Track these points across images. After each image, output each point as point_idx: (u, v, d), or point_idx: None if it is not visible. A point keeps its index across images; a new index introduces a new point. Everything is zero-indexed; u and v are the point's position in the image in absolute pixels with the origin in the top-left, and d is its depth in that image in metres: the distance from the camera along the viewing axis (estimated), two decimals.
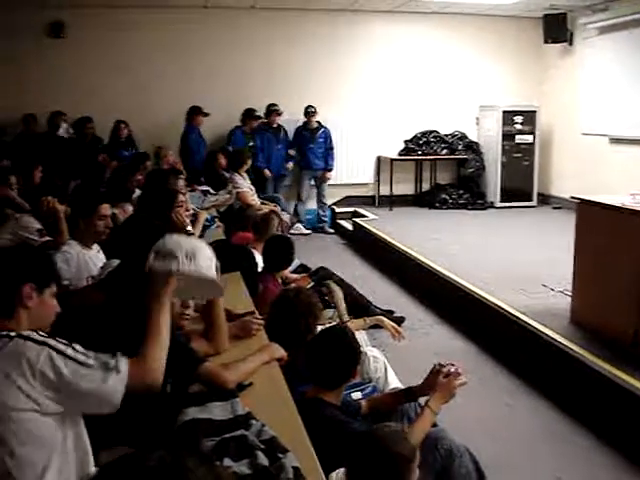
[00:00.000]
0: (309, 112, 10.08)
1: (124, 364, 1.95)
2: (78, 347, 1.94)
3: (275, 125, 10.13)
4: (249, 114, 9.96)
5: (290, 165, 10.32)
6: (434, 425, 3.03)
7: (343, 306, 4.39)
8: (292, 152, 10.27)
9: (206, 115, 9.58)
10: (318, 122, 10.22)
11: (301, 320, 3.42)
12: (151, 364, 2.07)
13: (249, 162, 8.60)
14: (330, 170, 10.39)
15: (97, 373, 1.91)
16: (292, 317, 3.42)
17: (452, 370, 3.05)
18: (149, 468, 1.10)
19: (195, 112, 9.59)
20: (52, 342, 1.90)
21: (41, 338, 1.90)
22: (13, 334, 1.89)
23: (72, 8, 9.37)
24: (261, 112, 10.09)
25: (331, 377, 2.94)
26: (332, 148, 10.35)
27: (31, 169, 6.61)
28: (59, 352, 1.88)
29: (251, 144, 9.86)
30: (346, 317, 4.31)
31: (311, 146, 10.20)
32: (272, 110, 10.00)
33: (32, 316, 2.04)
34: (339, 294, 4.38)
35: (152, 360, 2.08)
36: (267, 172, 9.97)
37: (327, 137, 10.30)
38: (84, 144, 9.19)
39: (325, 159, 10.33)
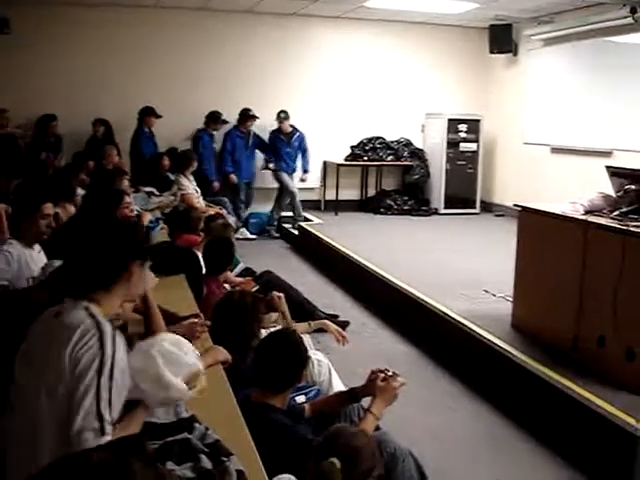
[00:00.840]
0: (282, 117, 10.08)
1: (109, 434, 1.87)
2: (113, 386, 1.91)
3: (246, 130, 10.13)
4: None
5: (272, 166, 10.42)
6: (377, 428, 3.05)
7: (287, 311, 4.38)
8: (270, 160, 10.44)
9: (158, 117, 9.49)
10: (292, 126, 10.26)
11: (245, 323, 3.40)
12: None
13: (195, 164, 8.52)
14: (307, 172, 10.50)
15: (92, 417, 1.85)
16: (236, 320, 3.41)
17: (389, 373, 3.09)
18: (91, 469, 1.07)
19: (147, 113, 9.50)
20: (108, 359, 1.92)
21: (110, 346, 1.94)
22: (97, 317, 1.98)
23: (17, 5, 9.17)
24: (203, 115, 10.06)
25: (278, 381, 2.92)
26: (306, 150, 10.41)
27: None
28: (102, 369, 1.89)
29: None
30: (292, 322, 4.30)
31: (288, 150, 10.24)
32: (248, 115, 9.99)
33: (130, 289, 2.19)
34: (282, 299, 4.37)
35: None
36: (233, 177, 9.99)
37: (302, 140, 10.35)
38: (42, 143, 9.09)
39: (302, 162, 10.45)
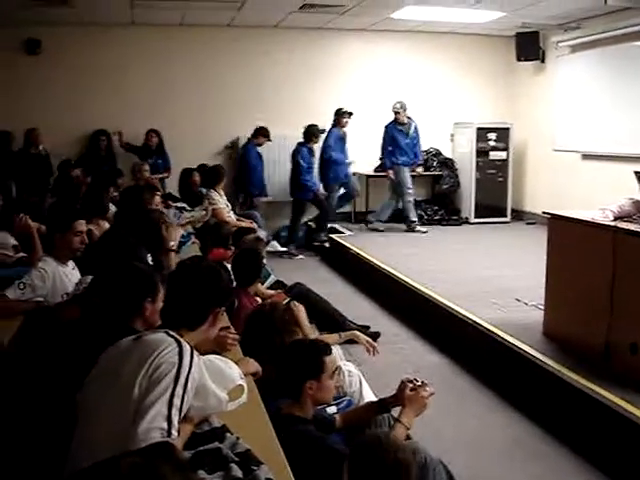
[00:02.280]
0: (397, 108, 10.13)
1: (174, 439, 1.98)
2: (185, 397, 2.06)
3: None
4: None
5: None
6: (407, 438, 3.06)
7: (306, 323, 4.39)
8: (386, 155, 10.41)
9: (268, 138, 9.89)
10: (408, 117, 10.35)
11: (276, 336, 3.43)
12: None
13: (224, 179, 8.60)
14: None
15: (161, 418, 1.97)
16: (267, 332, 3.43)
17: (417, 383, 3.13)
18: (122, 474, 1.10)
19: (260, 133, 9.87)
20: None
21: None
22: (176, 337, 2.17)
23: (47, 26, 9.37)
24: (232, 131, 10.25)
25: (295, 382, 2.94)
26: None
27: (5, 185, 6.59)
28: (178, 378, 2.05)
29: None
30: (312, 335, 4.30)
31: (407, 142, 10.31)
32: (344, 113, 10.04)
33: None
34: (302, 311, 4.37)
35: None
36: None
37: (417, 130, 10.46)
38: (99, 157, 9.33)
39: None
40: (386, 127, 10.26)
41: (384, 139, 10.32)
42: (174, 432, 1.97)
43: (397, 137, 10.21)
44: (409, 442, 3.05)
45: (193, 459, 2.09)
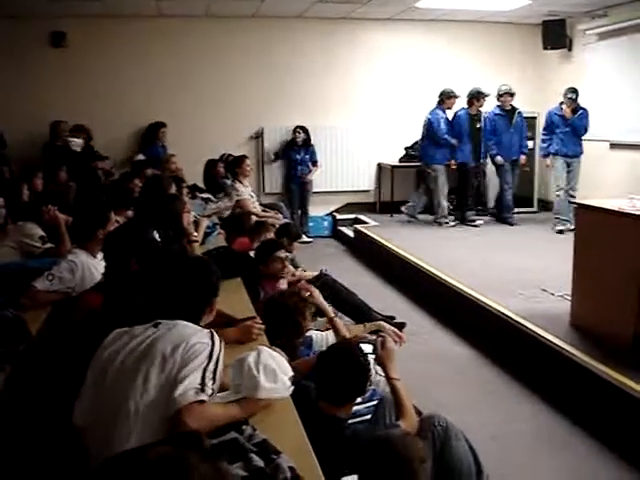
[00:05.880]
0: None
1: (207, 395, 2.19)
2: (217, 374, 2.26)
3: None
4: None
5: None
6: (418, 413, 3.21)
7: (325, 303, 4.41)
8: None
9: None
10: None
11: (287, 321, 3.47)
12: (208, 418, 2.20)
13: (248, 169, 8.63)
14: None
15: (195, 382, 2.18)
16: (280, 319, 3.48)
17: (379, 340, 3.33)
18: (150, 463, 1.11)
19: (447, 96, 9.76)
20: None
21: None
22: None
23: (73, 18, 9.43)
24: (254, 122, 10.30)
25: (343, 395, 2.95)
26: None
27: (31, 177, 6.64)
28: (211, 356, 2.26)
29: None
30: (331, 314, 4.33)
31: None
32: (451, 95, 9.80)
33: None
34: (317, 293, 4.42)
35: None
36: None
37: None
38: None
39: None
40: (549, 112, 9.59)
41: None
42: (208, 389, 2.17)
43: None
44: (429, 414, 3.12)
45: (211, 450, 2.10)
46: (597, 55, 9.83)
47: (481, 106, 9.82)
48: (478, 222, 9.86)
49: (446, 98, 9.74)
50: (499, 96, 9.84)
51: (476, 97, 9.70)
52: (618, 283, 4.62)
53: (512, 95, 9.80)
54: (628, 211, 4.52)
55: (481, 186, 10.42)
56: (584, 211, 5.13)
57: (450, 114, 9.87)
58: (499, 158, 9.86)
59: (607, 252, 4.76)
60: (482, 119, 9.83)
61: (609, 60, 9.57)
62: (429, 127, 9.77)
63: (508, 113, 9.88)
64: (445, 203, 9.86)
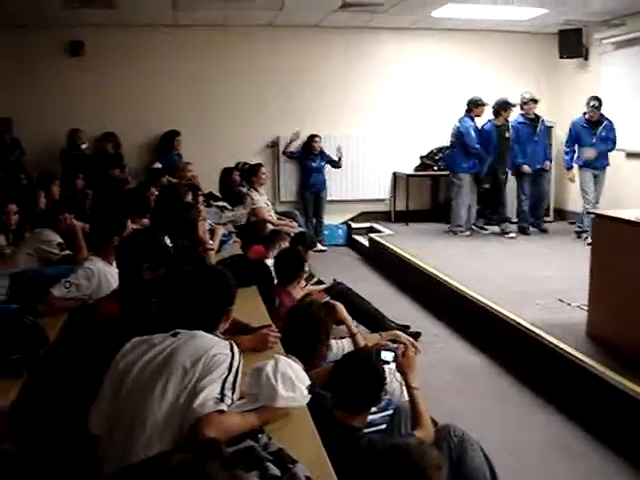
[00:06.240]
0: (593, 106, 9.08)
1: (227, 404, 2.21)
2: (236, 386, 2.29)
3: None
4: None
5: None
6: (433, 423, 3.18)
7: (349, 319, 4.40)
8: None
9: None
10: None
11: (311, 330, 3.45)
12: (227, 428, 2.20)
13: (264, 177, 8.67)
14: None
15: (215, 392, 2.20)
16: (304, 327, 3.45)
17: (401, 348, 3.36)
18: (170, 470, 1.12)
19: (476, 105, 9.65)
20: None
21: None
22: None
23: (90, 27, 9.52)
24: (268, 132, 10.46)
25: (358, 403, 2.94)
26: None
27: (48, 184, 6.71)
28: (231, 368, 2.27)
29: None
30: (354, 329, 4.33)
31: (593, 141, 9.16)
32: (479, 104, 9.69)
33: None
34: (342, 308, 4.40)
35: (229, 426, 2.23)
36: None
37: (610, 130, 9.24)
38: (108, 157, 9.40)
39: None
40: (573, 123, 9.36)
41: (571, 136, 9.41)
42: (227, 399, 2.18)
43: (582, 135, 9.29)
44: (445, 424, 3.12)
45: (229, 459, 2.11)
46: (613, 64, 9.81)
47: (508, 116, 9.69)
48: (512, 234, 9.67)
49: (474, 107, 9.64)
50: (523, 104, 9.75)
51: (503, 108, 9.57)
52: (635, 293, 4.59)
53: (536, 102, 9.72)
54: None
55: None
56: (601, 221, 5.11)
57: (479, 122, 9.78)
58: (526, 167, 9.72)
59: (623, 262, 4.73)
60: (510, 129, 9.70)
61: (625, 69, 9.54)
62: (459, 136, 9.66)
63: (532, 122, 9.79)
64: (464, 214, 9.77)
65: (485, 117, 9.79)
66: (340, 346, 4.10)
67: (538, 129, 9.79)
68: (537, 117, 9.83)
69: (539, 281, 6.81)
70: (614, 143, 9.09)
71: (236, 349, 2.36)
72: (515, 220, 10.06)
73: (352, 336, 4.22)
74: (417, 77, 10.96)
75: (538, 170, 9.85)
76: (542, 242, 9.28)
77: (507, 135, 9.65)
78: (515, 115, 9.84)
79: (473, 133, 9.58)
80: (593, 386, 4.49)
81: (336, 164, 10.44)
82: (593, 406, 4.46)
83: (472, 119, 9.67)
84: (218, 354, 2.28)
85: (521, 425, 4.45)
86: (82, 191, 7.67)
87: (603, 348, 4.84)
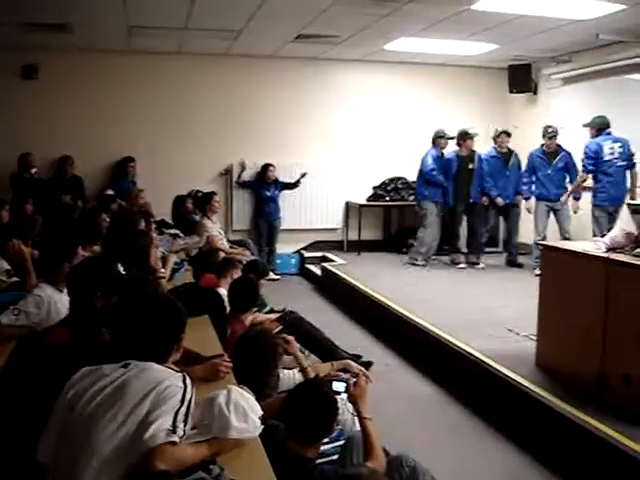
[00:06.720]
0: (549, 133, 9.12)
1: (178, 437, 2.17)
2: (188, 418, 2.26)
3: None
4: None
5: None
6: (385, 453, 3.17)
7: (300, 354, 4.41)
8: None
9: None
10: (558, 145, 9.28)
11: (259, 360, 3.44)
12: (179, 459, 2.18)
13: (217, 205, 8.63)
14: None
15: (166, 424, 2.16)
16: (252, 357, 3.44)
17: (351, 380, 3.37)
18: None
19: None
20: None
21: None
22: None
23: (45, 51, 9.44)
24: (225, 160, 10.47)
25: (310, 433, 2.92)
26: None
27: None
28: (184, 400, 2.24)
29: None
30: (305, 364, 4.31)
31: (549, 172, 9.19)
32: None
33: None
34: (292, 343, 4.39)
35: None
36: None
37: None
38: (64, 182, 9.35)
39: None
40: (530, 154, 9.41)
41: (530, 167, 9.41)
42: (179, 431, 2.15)
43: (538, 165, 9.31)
44: (396, 454, 3.08)
45: None
46: (562, 99, 10.07)
47: (471, 147, 9.75)
48: (462, 264, 9.75)
49: (435, 138, 9.77)
50: (496, 137, 9.82)
51: (462, 138, 9.69)
52: (583, 323, 4.67)
53: (509, 135, 9.79)
54: (592, 252, 4.60)
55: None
56: (549, 253, 5.21)
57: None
58: (499, 200, 9.72)
59: (572, 293, 4.81)
60: (476, 160, 9.74)
61: (573, 104, 9.80)
62: (420, 164, 9.76)
63: (504, 155, 9.81)
64: (429, 242, 9.73)
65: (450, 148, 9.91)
66: (290, 376, 4.09)
67: (510, 163, 9.81)
68: (510, 151, 9.87)
69: (492, 311, 6.89)
70: (574, 174, 9.06)
71: (189, 381, 2.33)
72: (465, 251, 10.07)
73: (302, 370, 4.21)
74: (371, 108, 11.09)
75: (508, 205, 9.85)
76: (496, 273, 9.40)
77: (471, 166, 9.71)
78: (488, 148, 9.94)
79: (430, 160, 9.64)
80: (543, 416, 4.54)
81: (292, 185, 10.47)
82: (542, 435, 4.50)
83: (437, 150, 9.75)
84: (170, 386, 2.25)
85: (472, 454, 4.47)
86: (31, 216, 7.54)
87: (552, 377, 4.90)
